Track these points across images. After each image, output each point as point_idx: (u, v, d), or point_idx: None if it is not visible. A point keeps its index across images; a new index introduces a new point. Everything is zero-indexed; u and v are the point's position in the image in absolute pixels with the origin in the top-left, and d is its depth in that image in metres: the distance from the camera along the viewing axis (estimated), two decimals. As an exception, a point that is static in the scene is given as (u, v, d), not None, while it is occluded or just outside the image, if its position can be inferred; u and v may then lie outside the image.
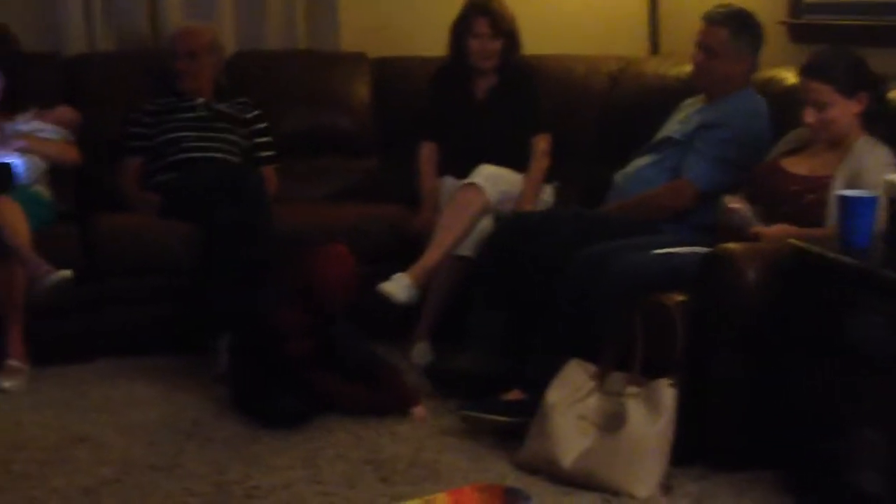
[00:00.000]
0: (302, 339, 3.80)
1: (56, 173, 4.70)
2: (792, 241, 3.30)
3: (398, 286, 4.21)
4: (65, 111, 4.76)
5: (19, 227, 4.18)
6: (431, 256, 4.32)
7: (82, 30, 5.13)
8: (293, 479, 3.30)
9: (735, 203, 3.59)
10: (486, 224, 4.38)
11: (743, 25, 4.06)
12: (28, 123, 4.64)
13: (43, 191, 4.61)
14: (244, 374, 3.89)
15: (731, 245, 3.37)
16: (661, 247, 3.66)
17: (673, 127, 4.20)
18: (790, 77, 4.10)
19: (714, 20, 4.06)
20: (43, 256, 4.14)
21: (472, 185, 4.40)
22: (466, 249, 4.36)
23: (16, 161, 4.48)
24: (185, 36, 4.87)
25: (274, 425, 3.68)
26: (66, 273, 4.09)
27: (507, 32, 4.68)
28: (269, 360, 3.80)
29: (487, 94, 4.75)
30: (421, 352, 4.37)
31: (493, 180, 4.43)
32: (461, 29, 4.73)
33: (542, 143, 4.68)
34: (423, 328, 4.42)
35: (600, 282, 3.53)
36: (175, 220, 4.48)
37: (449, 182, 4.63)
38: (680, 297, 3.38)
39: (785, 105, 3.98)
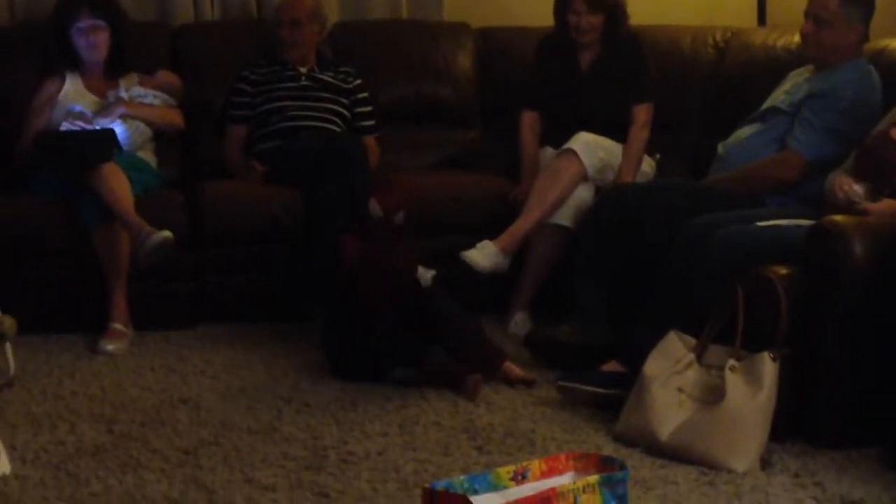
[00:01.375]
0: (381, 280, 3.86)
1: (162, 140, 4.77)
2: (902, 215, 3.22)
3: (482, 254, 4.19)
4: (166, 76, 4.82)
5: (122, 192, 4.25)
6: (523, 224, 4.30)
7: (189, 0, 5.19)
8: (388, 445, 3.31)
9: (848, 185, 3.49)
10: (585, 194, 4.34)
11: (854, -6, 3.96)
12: (130, 90, 4.70)
13: (148, 157, 4.68)
14: (339, 339, 3.92)
15: (838, 217, 3.29)
16: (766, 219, 3.60)
17: (779, 97, 4.11)
18: (903, 47, 4.00)
19: (824, -11, 3.96)
20: (148, 222, 4.20)
21: (568, 151, 4.36)
22: (565, 219, 4.32)
23: (119, 128, 4.55)
24: (288, 4, 4.89)
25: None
26: (167, 233, 4.15)
27: (607, 7, 4.61)
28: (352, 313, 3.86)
29: (591, 64, 4.69)
30: (519, 322, 4.36)
31: (591, 148, 4.39)
32: (561, 2, 4.68)
33: (642, 114, 4.61)
34: (521, 298, 4.40)
35: (704, 254, 3.47)
36: (278, 187, 4.52)
37: (549, 152, 4.60)
38: (784, 270, 3.30)
39: (897, 75, 3.88)
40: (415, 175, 4.81)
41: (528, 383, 3.78)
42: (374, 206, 3.95)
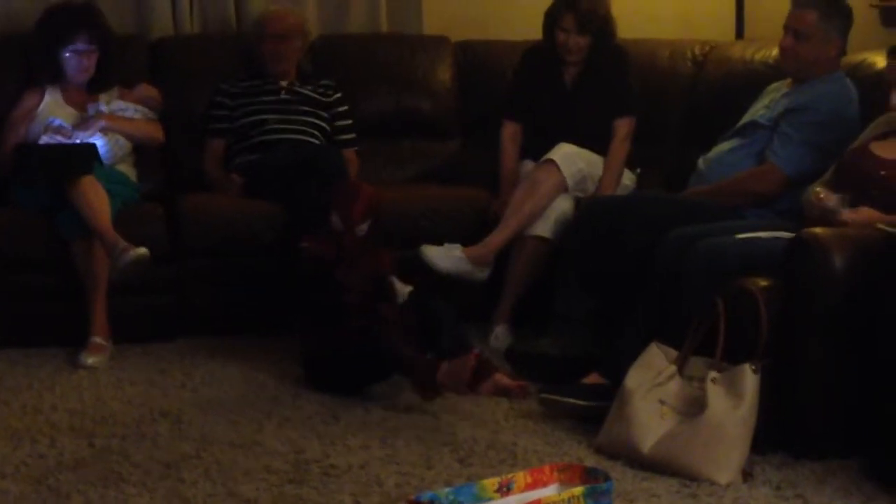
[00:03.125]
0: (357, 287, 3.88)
1: (141, 153, 4.75)
2: (880, 226, 3.23)
3: (444, 254, 4.21)
4: (146, 89, 4.81)
5: (100, 206, 4.23)
6: (499, 235, 4.32)
7: (167, 12, 5.18)
8: (370, 459, 3.30)
9: (823, 194, 3.51)
10: (565, 206, 4.35)
11: (832, 8, 3.99)
12: (110, 103, 4.69)
13: (128, 170, 4.66)
14: (317, 348, 3.92)
15: (818, 230, 3.31)
16: (745, 231, 3.61)
17: (758, 111, 4.14)
18: (880, 61, 4.01)
19: (803, 3, 4.00)
20: (127, 235, 4.19)
21: (548, 161, 4.37)
22: (545, 231, 4.33)
23: (99, 141, 4.54)
24: (275, 18, 4.89)
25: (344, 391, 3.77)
26: (143, 250, 4.13)
27: (596, 28, 4.61)
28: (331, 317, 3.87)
29: (575, 77, 4.70)
30: (499, 336, 4.36)
31: (571, 159, 4.40)
32: (551, 20, 4.68)
33: (624, 127, 4.62)
34: (502, 311, 4.40)
35: (684, 266, 3.49)
36: (258, 200, 4.52)
37: (529, 165, 4.61)
38: (764, 282, 3.32)
39: (874, 89, 3.91)
40: (395, 187, 4.83)
41: (520, 392, 3.66)
42: (335, 220, 3.97)
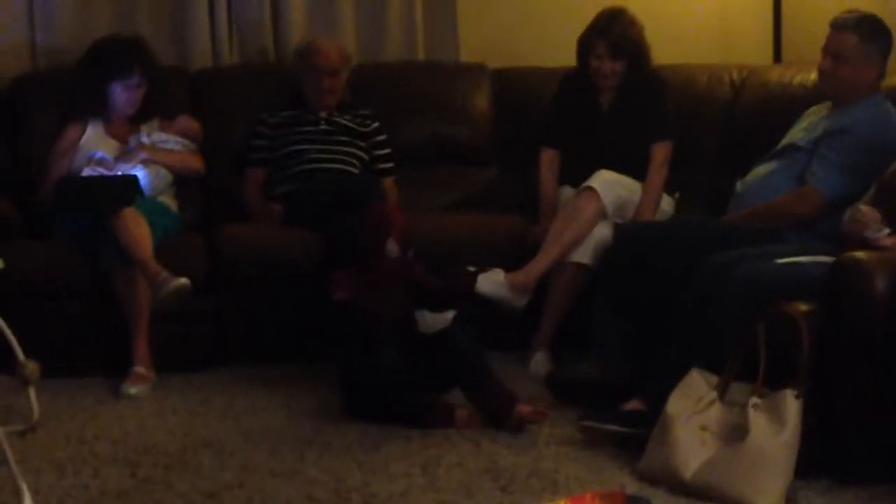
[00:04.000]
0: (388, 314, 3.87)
1: (182, 184, 4.79)
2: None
3: (486, 279, 4.21)
4: (186, 121, 4.85)
5: (141, 237, 4.27)
6: (540, 262, 4.32)
7: (208, 44, 5.22)
8: (411, 487, 3.30)
9: (865, 211, 3.49)
10: (604, 232, 4.35)
11: (872, 31, 3.98)
12: (151, 135, 4.74)
13: (169, 201, 4.70)
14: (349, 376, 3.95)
15: (859, 254, 3.29)
16: (785, 255, 3.59)
17: (797, 134, 4.12)
18: (920, 84, 4.01)
19: (842, 26, 3.98)
20: (168, 265, 4.22)
21: (587, 189, 4.37)
22: (585, 257, 4.33)
23: (140, 173, 4.58)
24: (324, 53, 4.87)
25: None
26: (184, 280, 4.16)
27: (630, 53, 4.62)
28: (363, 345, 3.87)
29: (612, 103, 4.71)
30: (539, 362, 4.36)
31: (610, 186, 4.40)
32: (584, 47, 4.69)
33: (661, 152, 4.62)
34: (542, 337, 4.40)
35: (724, 291, 3.48)
36: (296, 229, 4.54)
37: (567, 191, 4.61)
38: (805, 307, 3.30)
39: (915, 112, 3.89)
40: (432, 215, 4.84)
41: (542, 416, 3.74)
42: (392, 247, 3.94)
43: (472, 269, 4.20)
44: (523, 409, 3.75)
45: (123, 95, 4.66)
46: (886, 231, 3.43)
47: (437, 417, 3.76)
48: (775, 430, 3.15)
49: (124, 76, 4.63)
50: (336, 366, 4.12)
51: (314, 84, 4.87)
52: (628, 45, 4.61)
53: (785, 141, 4.16)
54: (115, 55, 4.65)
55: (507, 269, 4.33)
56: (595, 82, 4.68)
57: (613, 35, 4.59)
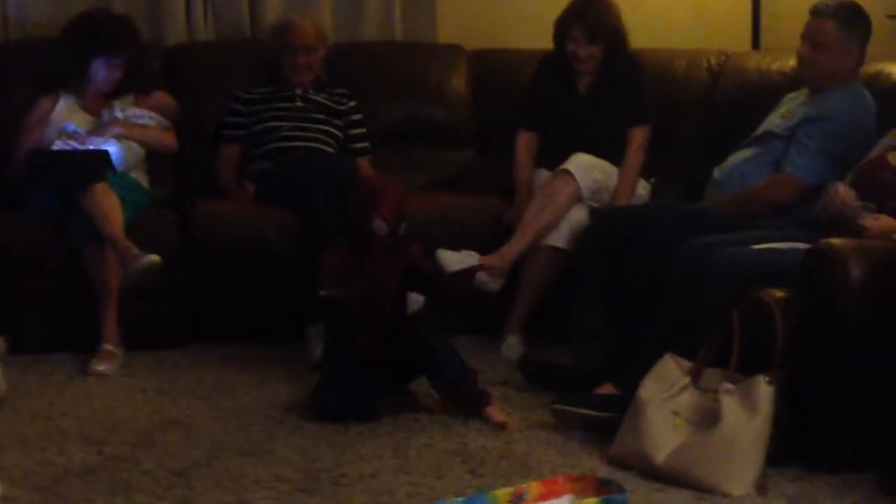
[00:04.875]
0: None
1: (154, 160, 4.75)
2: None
3: (459, 260, 4.19)
4: (161, 97, 4.80)
5: (113, 213, 4.22)
6: (514, 246, 4.30)
7: (182, 19, 5.18)
8: (381, 468, 3.28)
9: (844, 190, 3.48)
10: (580, 216, 4.33)
11: (851, 18, 3.97)
12: (125, 110, 4.69)
13: (140, 177, 4.66)
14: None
15: (835, 240, 3.28)
16: (761, 241, 3.59)
17: (775, 121, 4.12)
18: (897, 71, 4.01)
19: (822, 12, 3.97)
20: (139, 242, 4.18)
21: (563, 172, 4.35)
22: (559, 240, 4.31)
23: (112, 147, 4.53)
24: (300, 30, 4.84)
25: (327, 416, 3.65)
26: (155, 257, 4.13)
27: (607, 37, 4.60)
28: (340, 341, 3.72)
29: (589, 87, 4.68)
30: (512, 345, 4.33)
31: (587, 169, 4.38)
32: (561, 30, 4.67)
33: (638, 137, 4.60)
34: (515, 321, 4.38)
35: (700, 276, 3.46)
36: (270, 207, 4.50)
37: (543, 174, 4.59)
38: (780, 293, 3.29)
39: (892, 100, 3.93)
40: (408, 195, 4.79)
41: (502, 427, 3.61)
42: (380, 224, 3.69)
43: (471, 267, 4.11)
44: (495, 414, 3.65)
45: (104, 73, 4.61)
46: (868, 210, 3.42)
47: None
48: (747, 416, 3.14)
49: (110, 54, 4.59)
50: (311, 347, 4.11)
51: (290, 61, 4.84)
52: (605, 30, 4.58)
53: (762, 127, 4.16)
54: (104, 33, 4.60)
55: (482, 252, 4.30)
56: (572, 66, 4.65)
57: (590, 19, 4.57)
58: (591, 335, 3.93)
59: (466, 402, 3.70)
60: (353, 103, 4.93)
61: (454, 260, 4.20)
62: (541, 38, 4.85)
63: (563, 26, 4.65)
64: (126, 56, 4.62)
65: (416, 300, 3.89)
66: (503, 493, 2.43)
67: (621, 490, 2.46)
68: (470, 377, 3.73)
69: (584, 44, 4.58)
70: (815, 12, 4.00)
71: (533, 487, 2.45)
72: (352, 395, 3.64)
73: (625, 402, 3.38)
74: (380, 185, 3.84)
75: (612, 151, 4.53)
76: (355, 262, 3.68)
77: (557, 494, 2.48)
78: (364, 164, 4.85)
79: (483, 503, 2.40)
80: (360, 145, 4.92)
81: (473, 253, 4.25)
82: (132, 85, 4.74)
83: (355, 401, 3.64)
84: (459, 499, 2.43)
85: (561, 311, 4.11)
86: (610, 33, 4.60)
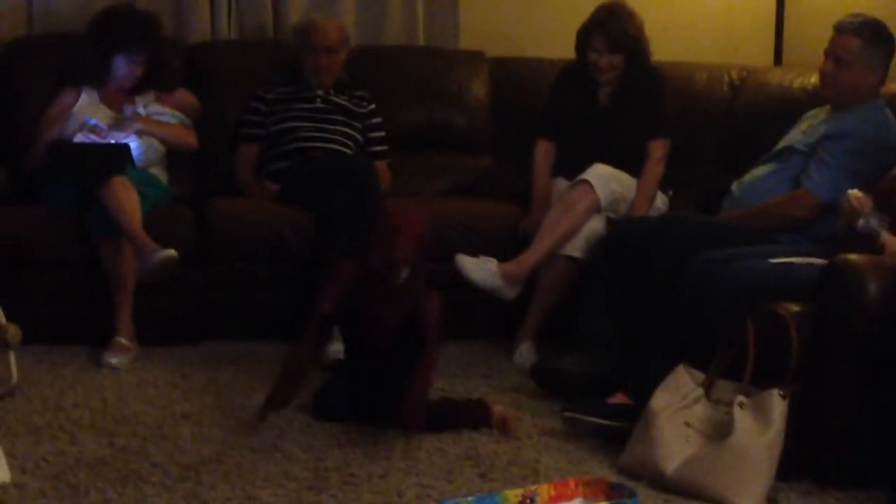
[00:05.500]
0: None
1: (174, 156, 4.76)
2: (916, 254, 3.20)
3: (478, 266, 4.19)
4: (184, 95, 4.82)
5: (131, 207, 4.23)
6: (532, 254, 4.29)
7: (206, 18, 5.19)
8: (391, 469, 3.27)
9: (859, 198, 3.46)
10: (597, 226, 4.33)
11: (875, 36, 3.96)
12: (147, 107, 4.70)
13: (159, 173, 4.67)
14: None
15: (852, 256, 3.28)
16: (778, 256, 3.58)
17: (795, 137, 4.11)
18: (919, 91, 4.01)
19: (846, 29, 3.97)
20: (156, 237, 4.19)
21: (582, 182, 4.35)
22: (575, 250, 4.31)
23: (133, 143, 4.54)
24: (322, 31, 4.84)
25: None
26: (172, 252, 4.13)
27: (628, 48, 4.59)
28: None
29: (610, 98, 4.68)
30: (524, 353, 4.33)
31: (605, 180, 4.38)
32: (582, 40, 4.67)
33: (658, 150, 4.60)
34: (528, 328, 4.37)
35: (715, 288, 3.46)
36: (289, 207, 4.51)
37: (561, 184, 4.59)
38: (796, 308, 3.28)
39: (913, 119, 3.89)
40: (425, 200, 4.81)
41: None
42: (375, 260, 3.46)
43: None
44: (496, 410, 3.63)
45: (126, 69, 4.63)
46: (885, 222, 3.41)
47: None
48: (760, 429, 3.13)
49: (132, 51, 4.60)
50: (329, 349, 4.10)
51: (311, 62, 4.84)
52: (627, 40, 4.59)
53: (782, 143, 4.15)
54: (128, 29, 4.62)
55: (498, 258, 4.30)
56: (593, 76, 4.65)
57: (612, 29, 4.57)
58: (600, 344, 3.93)
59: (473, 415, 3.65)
60: (372, 106, 4.94)
61: (473, 266, 4.21)
62: (562, 48, 4.86)
63: (584, 36, 4.66)
64: (148, 53, 4.63)
65: None
66: (513, 494, 2.43)
67: (632, 495, 2.46)
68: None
69: (605, 53, 4.59)
70: (840, 29, 4.00)
71: (543, 490, 2.46)
72: (349, 397, 3.62)
73: (636, 412, 3.38)
74: (395, 218, 3.55)
75: (630, 163, 4.53)
76: (365, 286, 3.54)
77: (568, 497, 2.48)
78: (382, 166, 4.85)
79: (493, 503, 2.40)
80: (378, 148, 4.93)
81: (492, 259, 4.25)
82: (154, 82, 4.75)
83: (352, 403, 3.61)
84: (469, 498, 2.43)
85: (573, 319, 4.10)
86: (632, 44, 4.60)
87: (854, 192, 3.51)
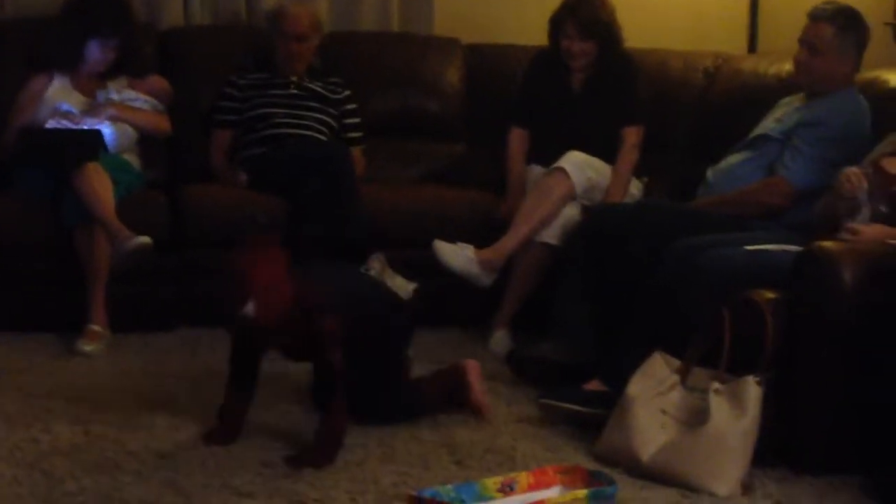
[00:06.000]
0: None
1: (147, 142, 4.73)
2: (890, 241, 3.21)
3: (455, 252, 4.19)
4: (156, 81, 4.79)
5: (103, 193, 4.21)
6: (509, 241, 4.30)
7: (179, 2, 5.17)
8: (367, 457, 3.27)
9: (857, 174, 3.48)
10: (572, 213, 4.34)
11: (849, 24, 3.98)
12: (120, 92, 4.67)
13: (132, 159, 4.64)
14: None
15: (827, 243, 3.29)
16: (753, 243, 3.60)
17: (769, 125, 4.12)
18: (893, 78, 4.06)
19: (819, 17, 3.98)
20: (130, 224, 4.17)
21: (558, 169, 4.36)
22: (551, 237, 4.32)
23: (106, 129, 4.51)
24: (293, 18, 4.82)
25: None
26: (146, 239, 4.12)
27: (600, 34, 4.60)
28: None
29: (583, 84, 4.69)
30: (500, 340, 4.34)
31: (581, 167, 4.39)
32: (554, 27, 4.68)
33: (632, 136, 4.61)
34: (504, 315, 4.38)
35: (690, 275, 3.47)
36: (261, 193, 4.49)
37: (536, 170, 4.60)
38: (771, 295, 3.30)
39: (887, 106, 3.92)
40: (399, 187, 4.81)
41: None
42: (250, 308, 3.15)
43: None
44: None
45: (98, 54, 4.59)
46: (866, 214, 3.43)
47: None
48: (735, 416, 3.15)
49: (105, 35, 4.57)
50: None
51: (283, 49, 4.83)
52: (598, 26, 4.59)
53: (757, 131, 4.16)
54: (101, 13, 4.58)
55: (473, 245, 4.30)
56: (566, 62, 4.65)
57: (583, 15, 4.58)
58: (575, 331, 3.93)
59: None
60: (347, 92, 4.93)
61: (450, 252, 4.21)
62: (537, 35, 4.86)
63: (556, 23, 4.66)
64: (119, 37, 4.60)
65: (404, 289, 3.83)
66: (492, 481, 2.44)
67: (611, 482, 2.47)
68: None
69: (577, 40, 4.59)
70: (813, 17, 4.01)
71: (522, 477, 2.46)
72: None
73: (612, 399, 3.39)
74: (274, 279, 3.18)
75: (604, 149, 4.54)
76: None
77: (547, 485, 2.48)
78: (357, 153, 4.84)
79: (472, 491, 2.41)
80: (353, 135, 4.92)
81: (469, 246, 4.25)
82: (127, 67, 4.72)
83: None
84: (448, 486, 2.43)
85: (549, 306, 4.11)
86: (603, 30, 4.60)
87: (851, 170, 3.52)
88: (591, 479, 2.49)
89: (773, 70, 4.68)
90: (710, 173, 4.19)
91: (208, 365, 4.05)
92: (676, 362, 3.31)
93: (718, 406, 3.16)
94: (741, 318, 3.26)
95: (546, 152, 4.56)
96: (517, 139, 4.72)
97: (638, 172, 4.63)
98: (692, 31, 5.40)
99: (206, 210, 4.47)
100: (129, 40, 4.67)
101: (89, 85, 4.65)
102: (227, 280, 3.21)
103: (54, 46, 4.63)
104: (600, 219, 4.04)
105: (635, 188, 4.60)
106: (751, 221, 3.92)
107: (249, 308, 3.13)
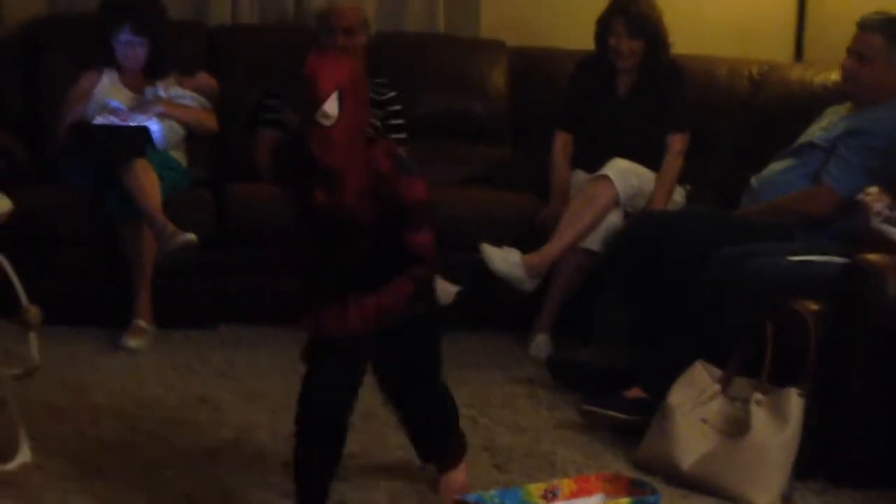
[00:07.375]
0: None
1: (193, 140, 4.77)
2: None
3: (502, 256, 4.20)
4: (204, 78, 4.82)
5: (151, 190, 4.25)
6: (553, 247, 4.30)
7: (227, 1, 5.19)
8: (407, 459, 3.29)
9: (873, 195, 3.47)
10: (615, 219, 4.34)
11: (898, 33, 3.96)
12: (168, 89, 4.71)
13: (179, 156, 4.68)
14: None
15: (873, 256, 3.29)
16: (796, 253, 3.59)
17: (816, 133, 4.11)
18: (941, 89, 4.00)
19: (869, 26, 3.96)
20: (175, 220, 4.20)
21: (603, 177, 4.36)
22: (593, 243, 4.32)
23: (153, 125, 4.55)
24: (341, 13, 4.83)
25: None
26: (191, 236, 4.15)
27: (648, 33, 4.61)
28: None
29: (629, 90, 4.68)
30: (540, 344, 4.35)
31: (625, 174, 4.39)
32: (602, 26, 4.68)
33: (677, 143, 4.60)
34: (544, 320, 4.39)
35: (734, 284, 3.47)
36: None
37: (580, 175, 4.60)
38: (815, 306, 3.30)
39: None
40: (443, 189, 4.80)
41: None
42: (289, 115, 2.80)
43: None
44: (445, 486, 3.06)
45: (124, 49, 4.62)
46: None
47: None
48: (777, 427, 3.15)
49: (118, 31, 4.59)
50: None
51: (331, 44, 4.84)
52: (647, 25, 4.59)
53: (802, 139, 4.15)
54: (113, 10, 4.62)
55: (516, 248, 4.31)
56: (613, 62, 4.64)
57: (632, 13, 4.57)
58: (615, 338, 3.94)
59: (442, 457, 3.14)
60: (392, 93, 4.94)
61: (497, 256, 4.22)
62: (583, 39, 4.84)
63: (604, 21, 4.66)
64: (132, 34, 4.60)
65: (446, 292, 3.78)
66: (536, 487, 2.45)
67: (654, 492, 2.48)
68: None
69: (625, 38, 4.59)
70: (862, 26, 3.99)
71: (565, 484, 2.48)
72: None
73: (653, 407, 3.39)
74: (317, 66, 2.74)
75: (649, 156, 4.53)
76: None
77: (590, 493, 2.50)
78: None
79: (516, 496, 2.42)
80: (397, 136, 4.92)
81: (515, 250, 4.26)
82: (166, 64, 4.74)
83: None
84: (492, 491, 2.45)
85: (589, 312, 4.12)
86: (652, 29, 4.60)
87: (870, 190, 3.52)
88: (633, 487, 2.51)
89: (819, 79, 4.67)
90: (754, 181, 4.18)
91: (250, 362, 4.09)
92: (718, 372, 3.32)
93: (760, 417, 3.17)
94: (784, 328, 3.26)
95: (591, 157, 4.56)
96: (562, 143, 4.73)
97: (681, 179, 4.62)
98: (738, 39, 5.38)
99: (251, 208, 4.50)
100: (162, 37, 4.68)
101: (137, 82, 4.69)
102: (296, 89, 2.75)
103: (95, 44, 4.67)
104: (641, 225, 4.04)
105: (679, 195, 4.60)
106: (793, 230, 3.92)
107: (323, 112, 2.67)
